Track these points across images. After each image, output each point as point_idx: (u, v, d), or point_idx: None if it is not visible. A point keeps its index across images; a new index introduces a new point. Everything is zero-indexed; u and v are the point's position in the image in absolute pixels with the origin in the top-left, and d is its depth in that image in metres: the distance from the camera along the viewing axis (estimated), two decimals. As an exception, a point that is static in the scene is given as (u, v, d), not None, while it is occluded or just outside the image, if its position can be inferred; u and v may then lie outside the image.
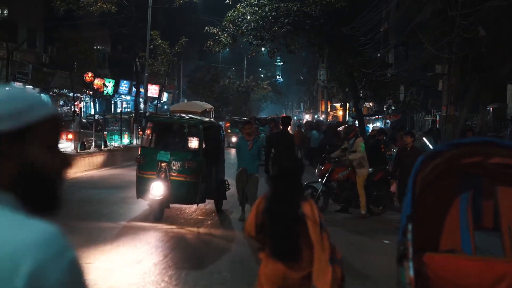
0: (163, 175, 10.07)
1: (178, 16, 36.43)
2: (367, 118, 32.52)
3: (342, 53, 21.13)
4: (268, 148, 11.44)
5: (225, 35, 21.13)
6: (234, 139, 29.74)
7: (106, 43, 37.95)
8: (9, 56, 23.48)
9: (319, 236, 3.85)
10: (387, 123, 32.96)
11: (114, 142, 23.84)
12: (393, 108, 27.56)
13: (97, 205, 11.58)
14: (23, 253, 1.11)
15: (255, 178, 10.46)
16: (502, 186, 4.03)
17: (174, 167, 10.19)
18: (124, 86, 39.06)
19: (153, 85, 37.58)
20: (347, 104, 38.35)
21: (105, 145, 22.15)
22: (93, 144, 20.55)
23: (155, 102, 38.67)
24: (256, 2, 19.98)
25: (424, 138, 16.57)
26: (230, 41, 21.32)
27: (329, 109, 50.15)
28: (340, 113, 43.02)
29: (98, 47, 36.21)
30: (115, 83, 36.80)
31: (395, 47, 25.59)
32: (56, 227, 1.17)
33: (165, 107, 41.20)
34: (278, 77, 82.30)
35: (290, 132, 13.11)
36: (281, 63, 61.25)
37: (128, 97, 40.74)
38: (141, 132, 22.31)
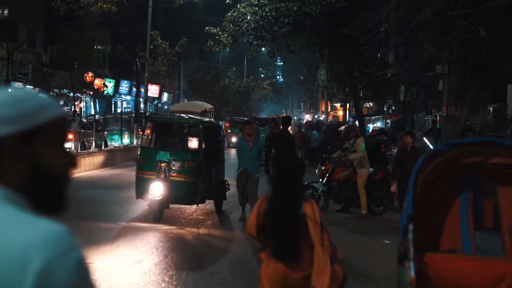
0: (162, 176, 10.03)
1: (179, 16, 36.42)
2: (367, 118, 32.51)
3: (342, 53, 21.13)
4: (268, 148, 11.44)
5: (226, 35, 21.13)
6: (234, 139, 29.75)
7: (107, 43, 37.95)
8: (9, 56, 23.49)
9: (319, 236, 3.86)
10: (387, 123, 32.95)
11: (115, 142, 23.85)
12: (393, 108, 27.54)
13: (97, 205, 11.58)
14: (32, 251, 1.13)
15: (255, 178, 10.45)
16: (502, 186, 4.03)
17: (173, 167, 10.14)
18: (124, 86, 39.05)
19: (153, 85, 37.58)
20: (347, 104, 38.35)
21: (106, 145, 22.16)
22: (93, 144, 20.55)
23: (155, 102, 38.67)
24: (256, 2, 19.98)
25: (425, 138, 16.58)
26: (231, 41, 21.32)
27: (329, 109, 50.15)
28: (340, 113, 43.01)
29: (99, 47, 36.21)
30: (115, 83, 36.79)
31: (395, 47, 25.57)
32: (63, 226, 1.19)
33: (165, 107, 41.19)
34: (278, 77, 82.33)
35: (290, 132, 13.11)
36: (281, 63, 61.26)
37: (128, 97, 40.74)
38: (141, 132, 22.30)
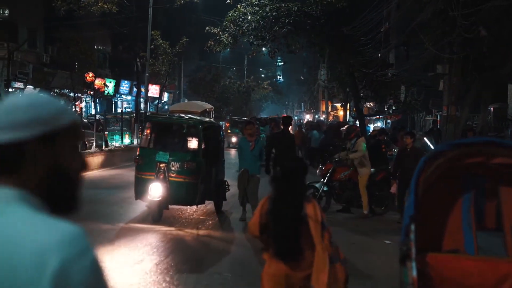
0: (162, 176, 9.91)
1: (179, 16, 36.41)
2: (368, 118, 32.50)
3: (342, 53, 21.12)
4: (268, 148, 11.42)
5: (226, 35, 21.12)
6: (234, 139, 29.75)
7: (107, 43, 37.96)
8: (10, 56, 23.50)
9: (320, 236, 3.86)
10: (388, 123, 32.95)
11: (115, 142, 23.84)
12: (394, 108, 27.55)
13: (97, 205, 11.55)
14: (49, 252, 1.16)
15: (256, 179, 10.42)
16: (504, 186, 4.02)
17: (173, 168, 10.02)
18: (124, 86, 39.05)
19: (154, 85, 37.58)
20: (348, 104, 38.34)
21: (106, 145, 22.15)
22: (94, 144, 20.54)
23: (156, 102, 38.67)
24: (257, 2, 19.97)
25: (425, 138, 16.57)
26: (231, 41, 21.31)
27: (329, 109, 50.15)
28: (340, 113, 43.01)
29: (99, 47, 36.22)
30: (115, 83, 36.80)
31: (396, 47, 25.57)
32: (79, 227, 1.23)
33: (166, 107, 41.19)
34: (278, 77, 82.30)
35: (291, 132, 13.10)
36: (282, 63, 61.21)
37: (129, 97, 40.74)
38: (141, 132, 22.30)
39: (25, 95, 1.36)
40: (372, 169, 11.61)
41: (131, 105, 40.45)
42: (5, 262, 1.17)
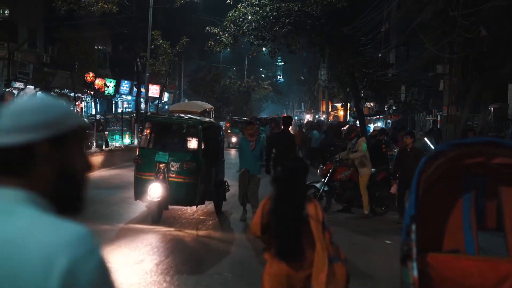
0: (161, 176, 9.85)
1: (179, 16, 36.39)
2: (368, 118, 32.50)
3: (343, 53, 21.12)
4: (269, 148, 11.41)
5: (226, 35, 21.12)
6: (234, 139, 29.73)
7: (107, 43, 37.94)
8: (10, 56, 23.50)
9: (321, 235, 3.88)
10: (388, 123, 32.94)
11: (115, 142, 23.83)
12: (394, 108, 27.54)
13: (97, 205, 11.53)
14: (58, 252, 1.19)
15: (257, 179, 10.41)
16: (505, 186, 4.02)
17: (172, 168, 9.96)
18: (125, 86, 39.05)
19: (154, 85, 37.57)
20: (348, 104, 38.34)
21: (107, 145, 22.14)
22: (94, 144, 20.54)
23: (156, 102, 38.67)
24: (257, 2, 19.97)
25: (426, 138, 16.56)
26: (231, 41, 21.31)
27: (330, 109, 50.14)
28: (341, 113, 43.00)
29: (99, 47, 36.20)
30: (116, 83, 36.78)
31: (396, 47, 25.57)
32: (86, 228, 1.26)
33: (166, 107, 41.20)
34: (279, 77, 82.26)
35: (291, 132, 13.10)
36: (282, 63, 61.12)
37: (129, 97, 40.72)
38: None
39: (33, 98, 1.38)
40: (373, 169, 11.61)
41: (131, 105, 40.44)
42: (14, 261, 1.19)
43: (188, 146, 11.16)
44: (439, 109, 24.58)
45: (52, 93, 27.37)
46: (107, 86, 32.99)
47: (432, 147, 14.66)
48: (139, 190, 10.08)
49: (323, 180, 11.80)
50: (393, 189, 11.17)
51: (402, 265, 3.52)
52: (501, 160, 3.83)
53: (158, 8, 29.33)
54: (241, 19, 20.47)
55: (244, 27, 20.38)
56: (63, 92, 28.12)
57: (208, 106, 29.90)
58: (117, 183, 14.97)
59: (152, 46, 29.47)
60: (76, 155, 1.38)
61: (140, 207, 10.92)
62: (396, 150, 14.96)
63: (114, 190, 13.57)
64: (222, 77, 51.58)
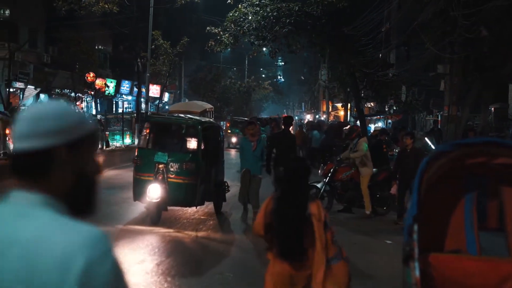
0: (160, 177, 9.75)
1: (180, 16, 36.42)
2: (369, 118, 32.50)
3: (343, 53, 21.12)
4: (269, 148, 11.40)
5: (227, 35, 21.12)
6: (234, 140, 29.71)
7: (108, 43, 37.95)
8: (11, 56, 23.49)
9: (322, 234, 3.89)
10: (389, 123, 32.94)
11: (116, 142, 23.85)
12: (394, 108, 27.55)
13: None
14: (75, 252, 1.24)
15: (258, 179, 10.37)
16: (506, 187, 4.02)
17: (172, 169, 9.85)
18: (125, 86, 39.07)
19: (155, 85, 37.58)
20: (349, 104, 38.33)
21: (107, 145, 22.15)
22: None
23: (157, 102, 38.69)
24: (257, 2, 19.97)
25: (426, 138, 16.57)
26: (232, 41, 21.30)
27: (330, 109, 50.11)
28: (341, 113, 43.00)
29: (100, 47, 36.21)
30: (116, 83, 36.80)
31: (396, 47, 25.59)
32: (101, 230, 1.31)
33: (166, 107, 41.22)
34: (279, 77, 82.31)
35: (292, 132, 13.09)
36: (282, 63, 61.10)
37: (130, 97, 40.74)
38: (142, 133, 22.29)
39: (50, 104, 1.44)
40: (374, 169, 11.61)
41: (131, 105, 40.47)
42: (32, 262, 1.23)
43: (188, 147, 11.06)
44: (440, 109, 24.60)
45: (53, 93, 27.43)
46: (108, 86, 33.05)
47: (433, 147, 14.65)
48: (138, 191, 9.99)
49: (324, 180, 11.79)
50: (393, 190, 11.16)
51: (404, 265, 3.52)
52: (502, 160, 3.83)
53: (158, 8, 29.35)
54: (241, 19, 20.47)
55: (245, 27, 20.37)
56: (64, 92, 28.16)
57: (208, 106, 29.88)
58: (116, 183, 14.95)
59: (153, 46, 29.49)
60: (90, 159, 1.44)
61: (139, 207, 10.86)
62: (396, 150, 14.97)
63: (114, 190, 13.55)
64: (223, 77, 51.59)
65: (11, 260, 1.25)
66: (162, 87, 36.22)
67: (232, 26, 20.76)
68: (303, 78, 70.08)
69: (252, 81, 57.00)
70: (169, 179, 9.82)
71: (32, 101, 28.61)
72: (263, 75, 72.38)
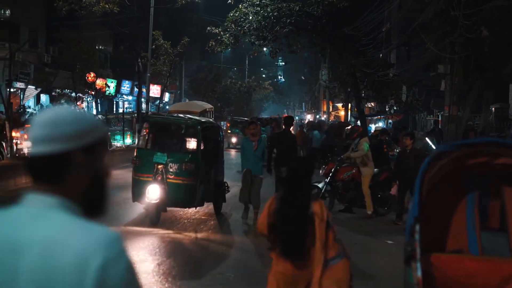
0: (159, 178, 9.65)
1: (180, 16, 36.43)
2: (369, 118, 32.51)
3: (344, 53, 21.13)
4: (270, 148, 11.38)
5: (227, 35, 21.13)
6: (234, 140, 29.70)
7: (108, 43, 37.97)
8: (11, 56, 23.47)
9: (323, 234, 3.90)
10: (389, 123, 32.93)
11: (117, 142, 23.83)
12: (395, 108, 27.56)
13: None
14: (92, 253, 1.29)
15: (259, 179, 10.32)
16: (508, 187, 4.01)
17: (171, 169, 9.75)
18: (126, 86, 39.07)
19: (155, 85, 37.56)
20: (349, 104, 38.31)
21: (110, 146, 22.13)
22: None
23: (157, 102, 38.68)
24: (258, 2, 19.98)
25: (427, 138, 16.56)
26: (232, 41, 21.32)
27: (331, 109, 50.09)
28: (342, 113, 42.96)
29: (100, 47, 36.22)
30: (117, 83, 36.81)
31: (397, 47, 25.58)
32: (116, 231, 1.37)
33: (167, 107, 41.22)
34: (279, 77, 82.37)
35: (292, 132, 13.09)
36: (283, 63, 61.07)
37: (130, 97, 40.74)
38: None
39: (65, 109, 1.51)
40: (375, 169, 11.61)
41: (132, 105, 40.48)
42: (50, 263, 1.28)
43: (187, 147, 10.94)
44: (440, 109, 24.60)
45: (53, 93, 27.44)
46: (108, 86, 33.03)
47: (434, 147, 14.64)
48: (137, 191, 9.88)
49: (325, 180, 11.79)
50: (393, 191, 11.15)
51: (406, 265, 3.51)
52: (503, 160, 3.83)
53: (159, 8, 29.34)
54: (242, 19, 20.47)
55: (245, 27, 20.38)
56: (64, 92, 28.15)
57: (208, 106, 29.85)
58: (117, 183, 14.91)
59: (153, 46, 29.47)
60: (102, 162, 1.50)
61: (139, 208, 10.81)
62: (397, 150, 14.96)
63: (114, 191, 13.52)
64: (223, 77, 51.58)
65: (29, 261, 1.29)
66: (163, 87, 36.21)
67: (233, 26, 20.77)
68: (303, 78, 70.07)
69: (253, 81, 57.00)
70: (168, 180, 9.73)
71: (34, 102, 28.64)
72: (264, 75, 72.43)
